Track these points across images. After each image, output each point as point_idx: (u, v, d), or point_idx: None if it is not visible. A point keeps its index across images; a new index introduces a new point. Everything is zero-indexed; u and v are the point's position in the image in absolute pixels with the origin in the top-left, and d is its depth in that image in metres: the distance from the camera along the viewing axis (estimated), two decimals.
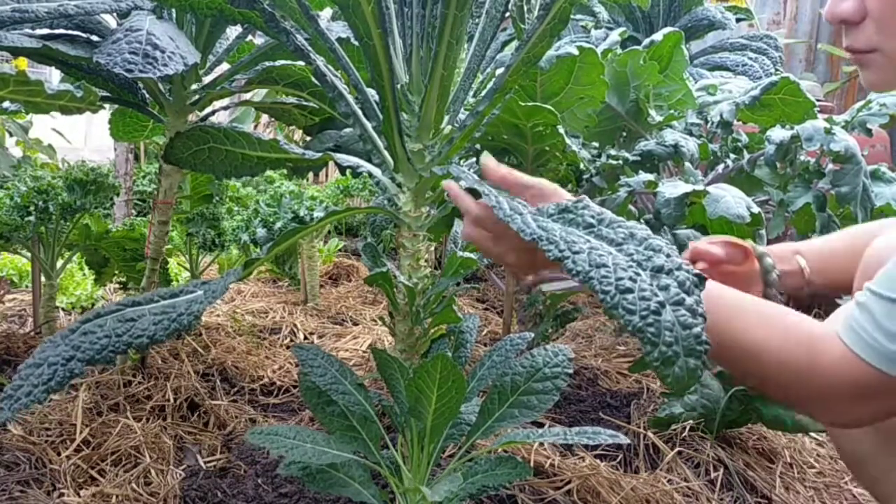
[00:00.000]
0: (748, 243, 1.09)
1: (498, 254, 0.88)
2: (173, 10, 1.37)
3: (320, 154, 1.16)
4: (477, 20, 1.01)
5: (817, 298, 1.18)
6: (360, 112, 1.04)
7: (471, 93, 1.11)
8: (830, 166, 1.62)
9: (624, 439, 0.94)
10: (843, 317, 0.73)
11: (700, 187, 1.41)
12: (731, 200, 1.35)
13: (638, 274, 0.63)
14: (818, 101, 1.93)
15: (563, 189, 0.90)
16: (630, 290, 0.61)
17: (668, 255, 0.64)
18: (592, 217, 0.73)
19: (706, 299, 0.78)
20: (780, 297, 1.08)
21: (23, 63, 2.51)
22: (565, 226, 0.73)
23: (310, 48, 1.01)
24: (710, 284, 0.81)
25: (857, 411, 0.76)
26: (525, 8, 1.20)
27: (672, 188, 1.43)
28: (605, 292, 0.62)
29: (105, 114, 1.79)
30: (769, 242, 1.33)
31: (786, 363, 0.74)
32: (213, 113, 1.64)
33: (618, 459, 1.38)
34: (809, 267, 1.10)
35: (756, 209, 1.36)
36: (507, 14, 1.09)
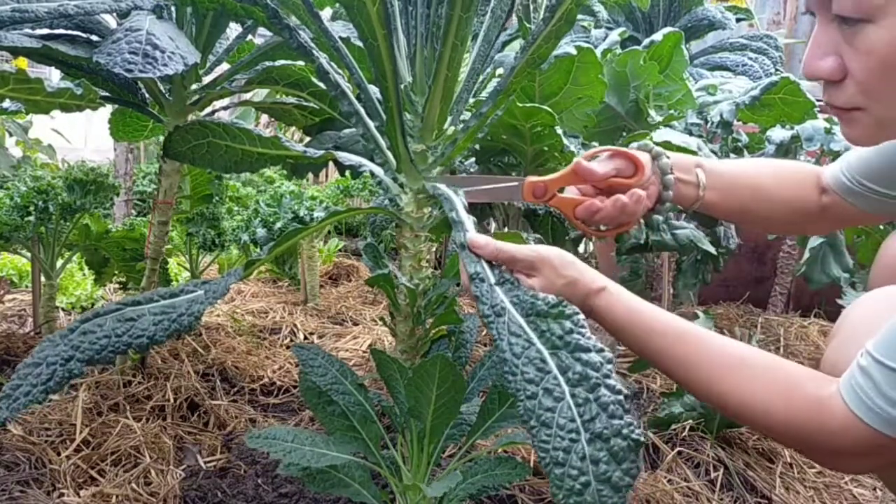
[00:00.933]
0: (638, 151, 1.06)
1: None
2: (173, 10, 1.36)
3: (321, 152, 1.16)
4: (481, 20, 1.01)
5: (701, 217, 1.16)
6: (362, 111, 1.04)
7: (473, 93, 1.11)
8: None
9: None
10: (847, 377, 0.73)
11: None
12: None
13: (575, 441, 0.64)
14: (818, 101, 1.93)
15: (559, 249, 0.87)
16: (561, 464, 0.63)
17: (611, 416, 0.65)
18: (561, 336, 0.73)
19: (688, 350, 0.81)
20: (671, 206, 1.08)
21: (23, 63, 2.50)
22: (536, 334, 0.73)
23: (313, 45, 1.00)
24: (692, 333, 0.82)
25: (864, 464, 0.79)
26: (531, 7, 1.20)
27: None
28: (541, 455, 0.64)
29: (105, 113, 1.78)
30: (769, 242, 1.33)
31: (793, 425, 0.75)
32: (213, 113, 1.64)
33: None
34: (707, 182, 1.10)
35: None
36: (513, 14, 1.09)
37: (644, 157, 1.05)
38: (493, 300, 0.78)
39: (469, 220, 0.88)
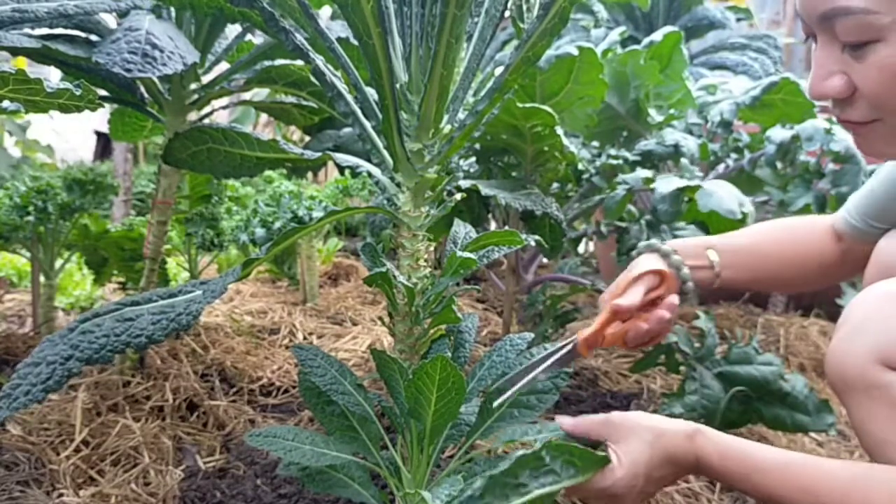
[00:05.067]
0: (650, 255, 1.09)
1: None
2: (172, 10, 1.36)
3: (319, 154, 1.16)
4: (476, 19, 1.01)
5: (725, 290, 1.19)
6: (359, 111, 1.04)
7: (470, 92, 1.11)
8: (830, 166, 1.62)
9: None
10: None
11: (694, 182, 1.41)
12: (724, 195, 1.35)
13: None
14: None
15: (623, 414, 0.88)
16: None
17: None
18: None
19: (800, 484, 0.78)
20: (696, 293, 1.10)
21: (22, 63, 2.50)
22: None
23: (309, 47, 1.00)
24: (796, 464, 0.79)
25: None
26: (524, 7, 1.20)
27: (666, 183, 1.43)
28: None
29: (105, 114, 1.78)
30: None
31: None
32: (212, 112, 1.64)
33: None
34: (721, 260, 1.12)
35: (749, 208, 1.36)
36: (507, 13, 1.09)
37: (658, 262, 1.08)
38: None
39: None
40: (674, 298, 1.04)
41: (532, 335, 1.06)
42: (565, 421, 0.92)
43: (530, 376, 0.99)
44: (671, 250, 1.10)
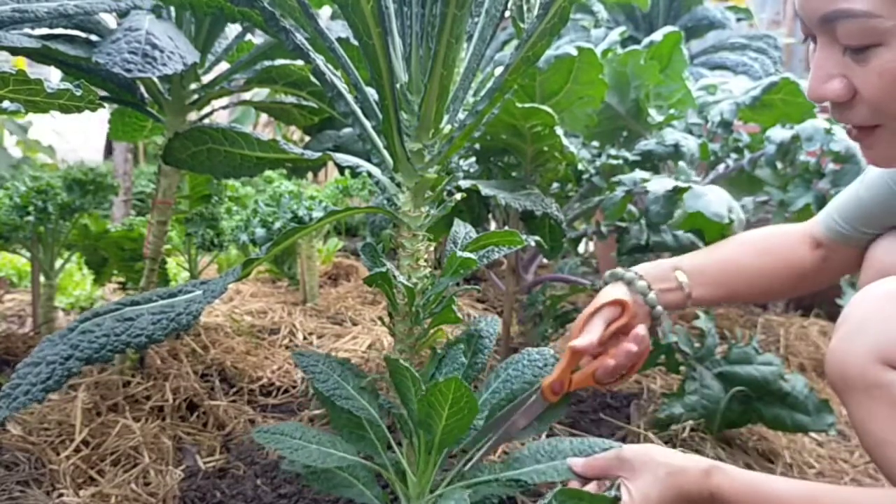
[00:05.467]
0: (615, 286, 1.07)
1: None
2: (172, 10, 1.36)
3: (319, 154, 1.16)
4: (476, 19, 1.01)
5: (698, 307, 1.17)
6: (359, 111, 1.04)
7: (470, 92, 1.11)
8: (830, 166, 1.62)
9: (617, 445, 0.93)
10: None
11: (686, 184, 1.40)
12: (713, 199, 1.32)
13: None
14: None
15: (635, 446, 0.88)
16: None
17: None
18: None
19: None
20: (667, 316, 1.08)
21: (22, 63, 2.51)
22: None
23: (309, 47, 1.00)
24: (820, 494, 0.78)
25: None
26: (524, 7, 1.20)
27: (659, 184, 1.42)
28: None
29: (105, 114, 1.78)
30: None
31: None
32: (212, 112, 1.64)
33: None
34: (690, 280, 1.09)
35: (739, 215, 1.34)
36: (507, 13, 1.09)
37: (620, 291, 1.05)
38: None
39: None
40: (640, 329, 1.00)
41: (551, 351, 1.06)
42: (576, 463, 0.91)
43: (501, 431, 0.98)
44: (635, 276, 1.07)
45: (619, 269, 1.10)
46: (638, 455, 0.86)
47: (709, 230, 1.64)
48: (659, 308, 1.06)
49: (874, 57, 0.76)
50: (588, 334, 1.00)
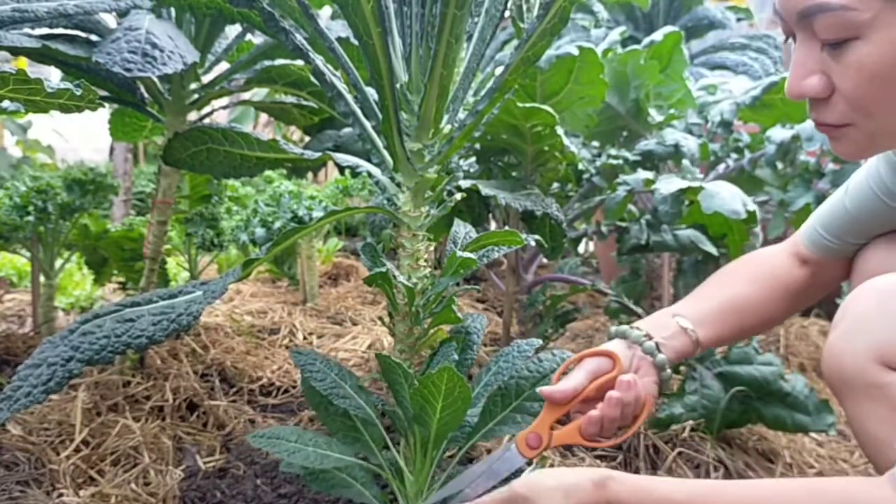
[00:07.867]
0: (609, 344, 1.02)
1: None
2: (172, 10, 1.36)
3: (319, 154, 1.16)
4: (476, 19, 1.01)
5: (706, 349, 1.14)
6: (359, 111, 1.04)
7: (470, 92, 1.11)
8: (830, 166, 1.62)
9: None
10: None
11: (696, 183, 1.40)
12: (727, 196, 1.33)
13: None
14: None
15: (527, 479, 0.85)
16: None
17: None
18: None
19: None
20: (673, 367, 1.02)
21: (22, 63, 2.50)
22: None
23: (309, 47, 1.00)
24: (715, 491, 0.77)
25: None
26: (524, 7, 1.20)
27: (668, 184, 1.42)
28: None
29: (105, 114, 1.78)
30: (769, 242, 1.32)
31: None
32: (212, 112, 1.64)
33: (618, 460, 1.37)
34: (692, 324, 1.05)
35: (752, 206, 1.34)
36: (507, 13, 1.09)
37: (614, 344, 1.01)
38: None
39: None
40: (626, 376, 0.94)
41: (539, 340, 1.05)
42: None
43: (476, 486, 0.93)
44: (629, 328, 1.02)
45: (614, 328, 1.04)
46: (531, 488, 0.82)
47: (711, 224, 1.64)
48: (662, 356, 1.00)
49: (852, 51, 0.75)
50: (563, 383, 0.95)
